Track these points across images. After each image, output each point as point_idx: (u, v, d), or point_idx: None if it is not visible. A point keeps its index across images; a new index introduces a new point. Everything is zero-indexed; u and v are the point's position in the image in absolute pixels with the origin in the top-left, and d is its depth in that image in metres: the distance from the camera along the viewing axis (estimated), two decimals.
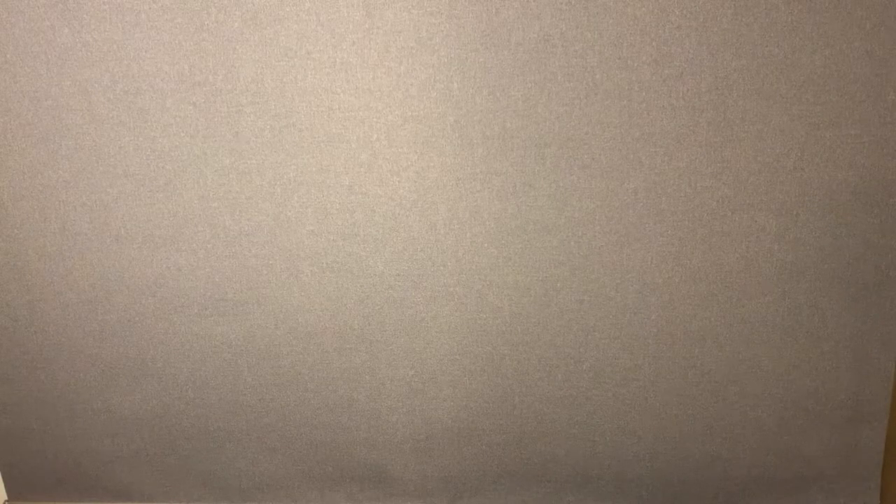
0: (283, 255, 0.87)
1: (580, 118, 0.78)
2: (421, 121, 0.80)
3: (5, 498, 1.05)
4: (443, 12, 0.75)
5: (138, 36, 0.78)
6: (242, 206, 0.85)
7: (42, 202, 0.87)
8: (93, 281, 0.90)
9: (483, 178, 0.82)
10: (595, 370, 0.89)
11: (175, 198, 0.85)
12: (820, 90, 0.75)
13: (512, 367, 0.90)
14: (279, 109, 0.81)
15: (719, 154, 0.78)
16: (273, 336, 0.91)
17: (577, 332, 0.88)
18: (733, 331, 0.86)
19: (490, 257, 0.85)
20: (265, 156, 0.83)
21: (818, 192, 0.79)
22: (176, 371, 0.94)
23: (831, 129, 0.77)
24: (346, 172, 0.83)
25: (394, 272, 0.87)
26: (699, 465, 0.93)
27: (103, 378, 0.95)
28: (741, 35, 0.74)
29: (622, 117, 0.78)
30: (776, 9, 0.73)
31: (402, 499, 0.99)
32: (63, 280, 0.90)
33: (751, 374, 0.88)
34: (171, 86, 0.80)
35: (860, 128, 0.76)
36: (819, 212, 0.80)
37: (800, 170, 0.78)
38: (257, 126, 0.81)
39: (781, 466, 0.92)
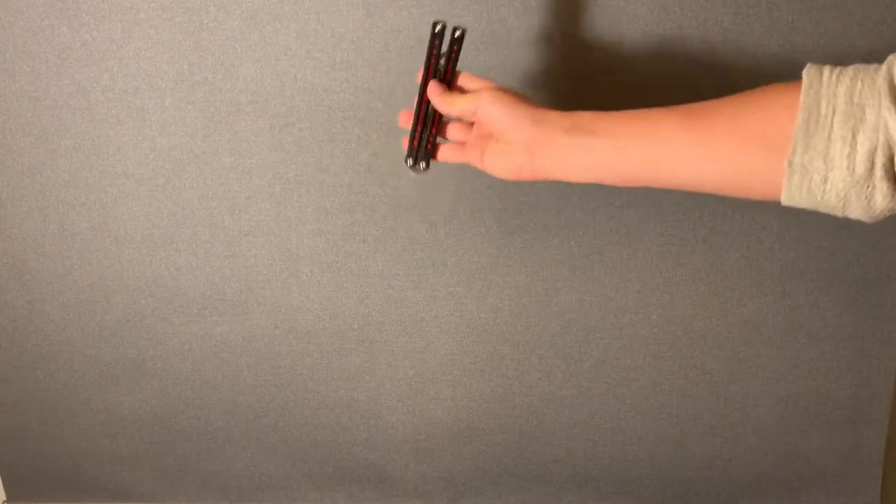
0: (283, 255, 0.87)
1: None
2: None
3: (4, 498, 1.05)
4: (443, 12, 0.74)
5: (137, 35, 0.78)
6: (242, 205, 0.85)
7: (41, 202, 0.86)
8: (92, 281, 0.90)
9: (483, 178, 0.81)
10: (595, 370, 0.89)
11: (174, 197, 0.85)
12: None
13: (512, 367, 0.90)
14: (279, 109, 0.80)
15: None
16: (273, 336, 0.91)
17: (577, 332, 0.88)
18: (733, 331, 0.86)
19: (490, 257, 0.85)
20: (265, 155, 0.82)
21: None
22: (175, 371, 0.94)
23: None
24: (346, 172, 0.82)
25: (394, 272, 0.86)
26: (699, 465, 0.93)
27: (103, 378, 0.95)
28: (741, 35, 0.74)
29: None
30: (776, 8, 0.72)
31: (402, 499, 0.99)
32: (62, 280, 0.90)
33: (751, 374, 0.88)
34: (171, 85, 0.80)
35: None
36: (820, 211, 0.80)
37: None
38: (257, 125, 0.81)
39: (782, 466, 0.92)
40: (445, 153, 0.68)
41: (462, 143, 0.67)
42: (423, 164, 0.68)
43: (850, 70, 0.48)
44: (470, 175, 0.82)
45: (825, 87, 0.48)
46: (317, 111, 0.80)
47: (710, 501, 0.95)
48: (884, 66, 0.47)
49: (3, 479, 1.04)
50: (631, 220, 0.82)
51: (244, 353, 0.92)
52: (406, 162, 0.69)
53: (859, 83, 0.47)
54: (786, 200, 0.50)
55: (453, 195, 0.83)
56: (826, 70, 0.49)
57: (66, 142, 0.83)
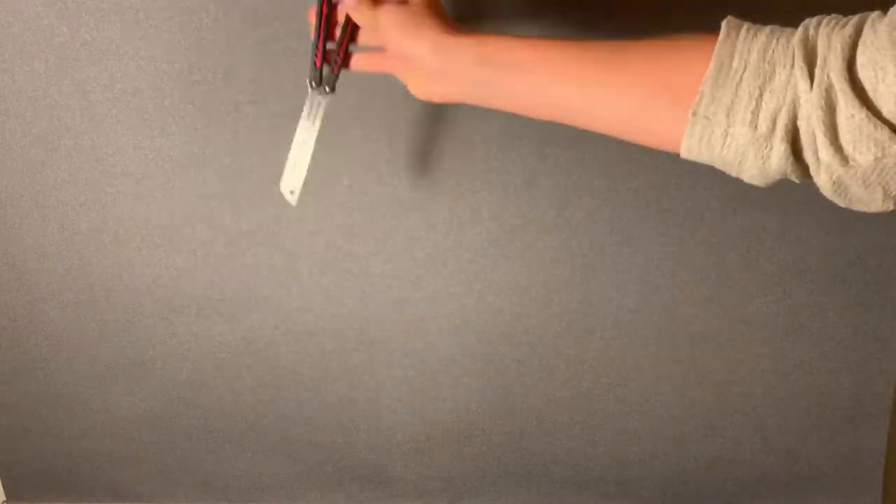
0: (283, 255, 0.87)
1: None
2: (420, 120, 0.79)
3: (4, 498, 1.05)
4: None
5: (137, 35, 0.78)
6: (242, 206, 0.85)
7: (40, 202, 0.86)
8: (91, 281, 0.90)
9: (483, 178, 0.81)
10: (595, 370, 0.89)
11: (174, 197, 0.85)
12: None
13: (512, 367, 0.90)
14: (278, 108, 0.80)
15: None
16: (272, 336, 0.91)
17: (577, 332, 0.88)
18: (734, 331, 0.86)
19: (490, 257, 0.85)
20: (265, 155, 0.82)
21: (819, 192, 0.79)
22: (175, 371, 0.94)
23: None
24: (346, 172, 0.82)
25: (394, 272, 0.86)
26: (700, 465, 0.93)
27: (102, 378, 0.95)
28: None
29: None
30: (777, 9, 0.72)
31: (402, 499, 0.99)
32: (62, 280, 0.90)
33: (751, 374, 0.88)
34: (170, 84, 0.80)
35: None
36: (820, 211, 0.80)
37: None
38: (257, 125, 0.81)
39: (782, 467, 0.92)
40: (360, 61, 0.62)
41: (380, 50, 0.60)
42: (326, 88, 0.60)
43: (767, 28, 0.48)
44: (470, 175, 0.82)
45: (741, 41, 0.48)
46: None
47: (711, 501, 0.95)
48: (799, 28, 0.47)
49: (3, 479, 1.04)
50: (631, 220, 0.82)
51: (244, 353, 0.92)
52: (309, 84, 0.61)
53: (774, 41, 0.47)
54: (685, 153, 0.50)
55: (453, 195, 0.83)
56: (745, 25, 0.49)
57: (66, 142, 0.83)
